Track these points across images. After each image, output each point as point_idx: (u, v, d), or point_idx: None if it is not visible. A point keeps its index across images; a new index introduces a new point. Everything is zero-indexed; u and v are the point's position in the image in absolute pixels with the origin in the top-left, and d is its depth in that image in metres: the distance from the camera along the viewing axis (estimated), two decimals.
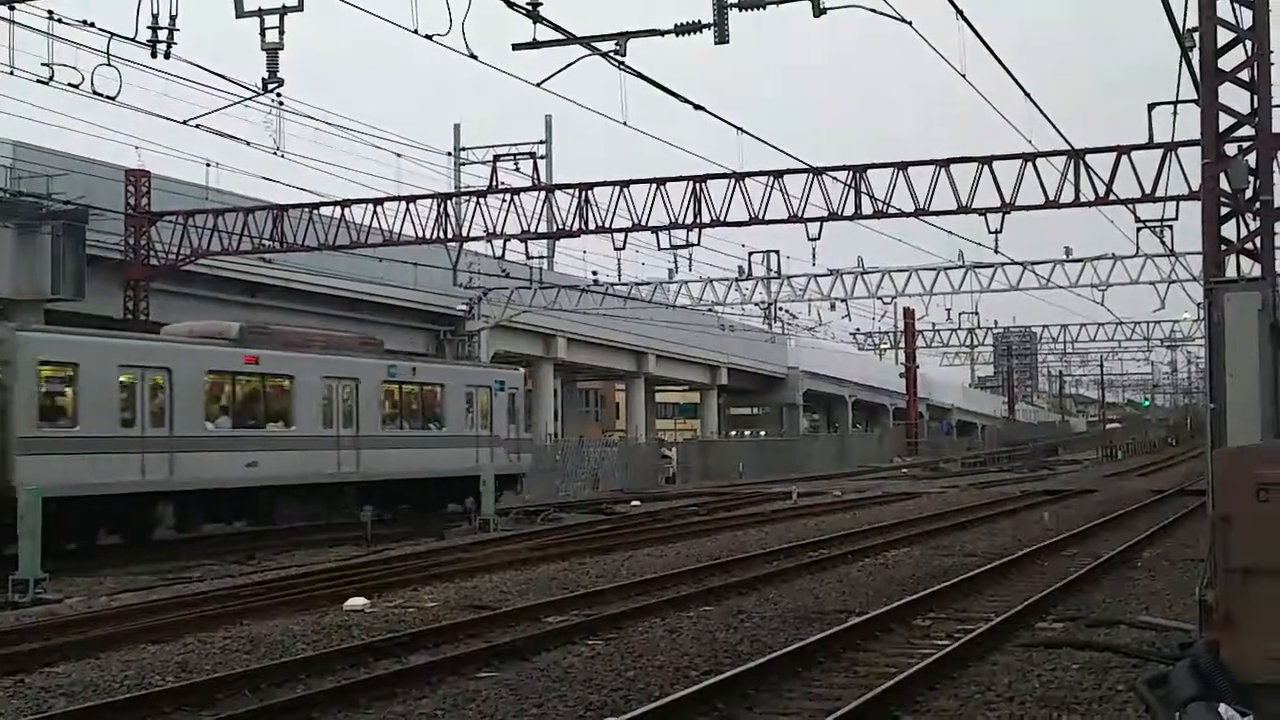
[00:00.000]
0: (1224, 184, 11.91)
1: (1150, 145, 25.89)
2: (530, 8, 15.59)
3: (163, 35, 17.61)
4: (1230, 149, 12.12)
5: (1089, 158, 27.14)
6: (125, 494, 21.26)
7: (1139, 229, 31.36)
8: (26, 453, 19.50)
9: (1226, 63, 11.93)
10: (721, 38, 17.50)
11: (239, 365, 24.13)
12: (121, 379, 21.44)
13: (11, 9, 18.73)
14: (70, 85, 19.98)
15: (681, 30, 17.94)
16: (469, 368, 34.50)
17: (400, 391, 28.24)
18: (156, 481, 21.70)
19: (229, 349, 24.18)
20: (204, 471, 22.74)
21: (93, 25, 19.60)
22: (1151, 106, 23.47)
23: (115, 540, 22.21)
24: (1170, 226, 30.50)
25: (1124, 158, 26.95)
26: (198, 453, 22.64)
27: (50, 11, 19.64)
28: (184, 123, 22.51)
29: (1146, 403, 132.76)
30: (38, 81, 20.22)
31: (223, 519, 24.41)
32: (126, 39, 18.04)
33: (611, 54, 17.31)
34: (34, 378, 19.98)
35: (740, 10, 17.64)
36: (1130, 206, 28.46)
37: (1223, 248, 12.06)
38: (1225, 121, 12.01)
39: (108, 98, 19.95)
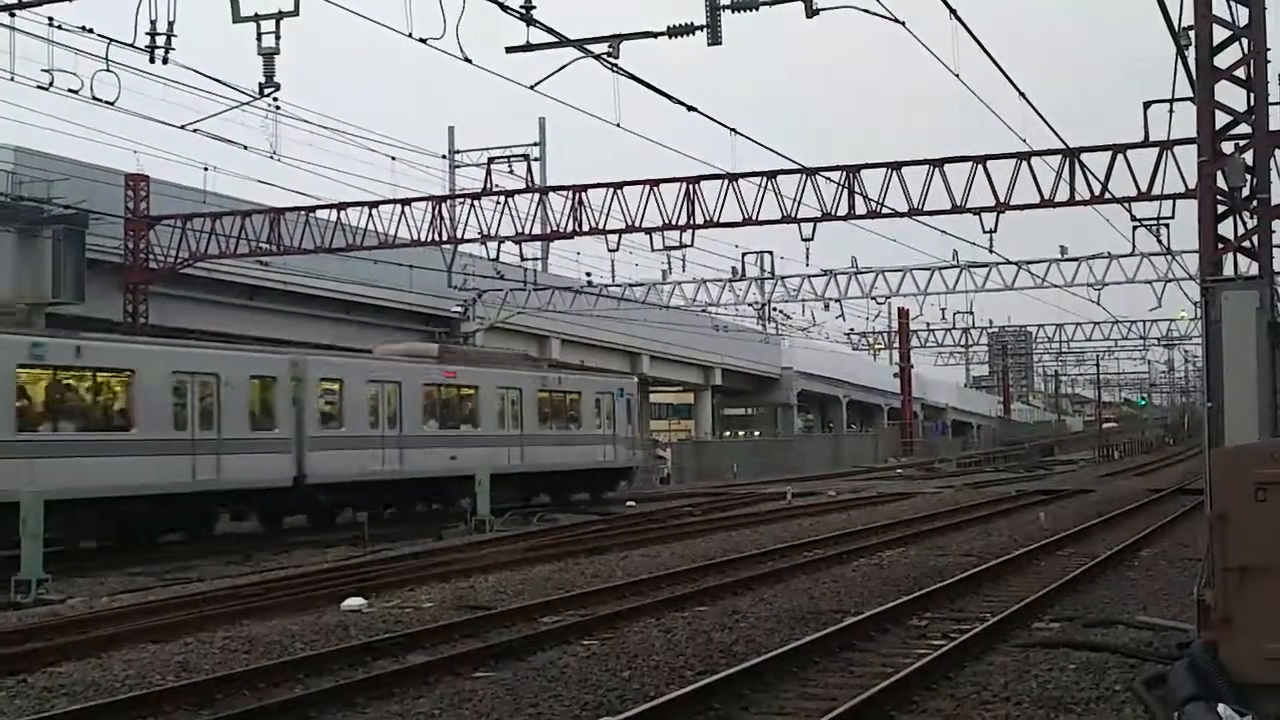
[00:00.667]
0: (1221, 182, 11.93)
1: (1146, 143, 25.95)
2: (524, 11, 15.61)
3: (161, 41, 17.60)
4: (1227, 147, 12.14)
5: (1084, 156, 27.20)
6: (379, 480, 27.74)
7: (1135, 227, 31.42)
8: (314, 449, 25.56)
9: (1223, 60, 11.96)
10: (714, 39, 17.52)
11: (441, 378, 30.55)
12: (370, 392, 27.71)
13: (12, 16, 18.74)
14: (70, 91, 20.01)
15: (674, 32, 17.96)
16: (598, 377, 41.22)
17: (550, 398, 34.05)
18: (393, 471, 27.97)
19: (435, 365, 30.72)
20: (424, 463, 28.85)
21: (92, 32, 19.62)
22: (1147, 105, 23.53)
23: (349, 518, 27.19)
24: (1166, 225, 30.59)
25: (1120, 156, 27.01)
26: (418, 449, 28.80)
27: (50, 18, 19.67)
28: (182, 127, 22.54)
29: (1143, 402, 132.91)
30: (38, 87, 20.24)
31: (434, 503, 30.36)
32: (125, 45, 18.04)
33: (605, 56, 17.33)
34: (316, 392, 26.19)
35: (733, 12, 17.66)
36: (1126, 205, 28.53)
37: (1220, 246, 12.09)
38: (1222, 119, 12.03)
39: (107, 103, 19.99)
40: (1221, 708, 7.79)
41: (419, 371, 29.65)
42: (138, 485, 21.81)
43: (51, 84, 20.14)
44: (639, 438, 40.90)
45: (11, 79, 20.36)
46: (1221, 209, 12.08)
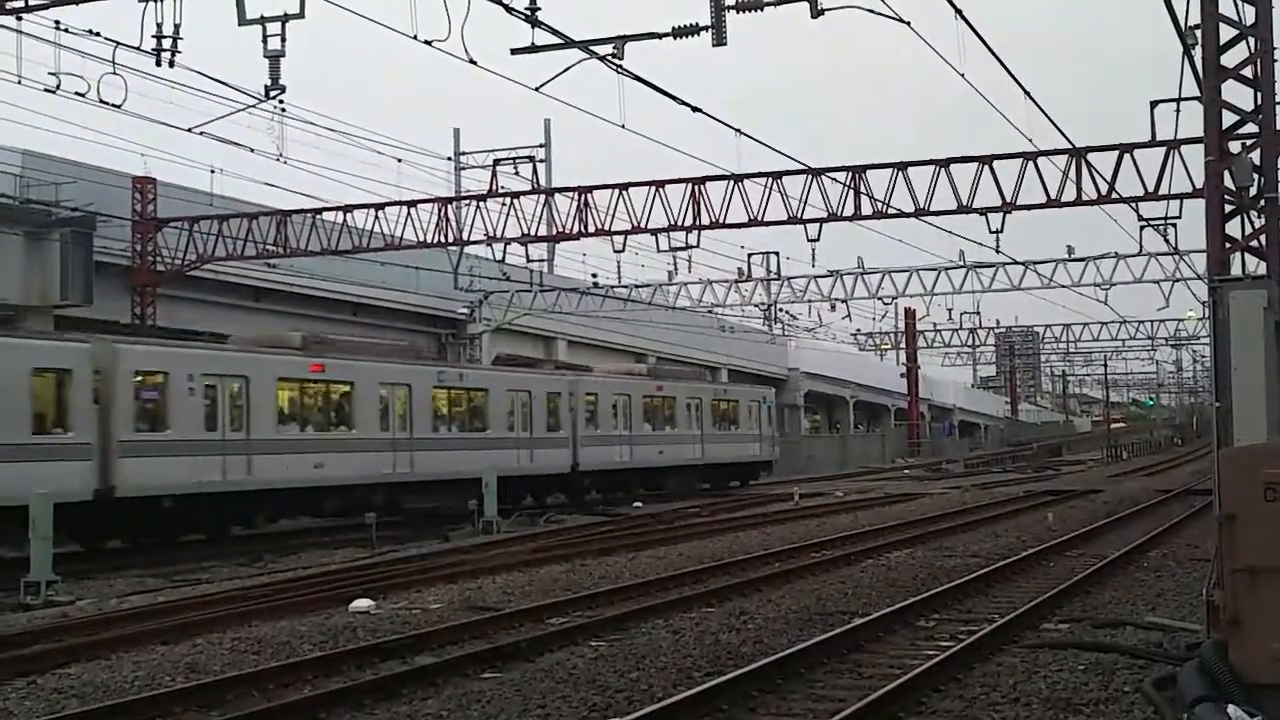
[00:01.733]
0: (1228, 181, 11.90)
1: (1153, 143, 25.86)
2: (528, 12, 15.62)
3: (167, 44, 17.64)
4: (1234, 146, 12.12)
5: (1091, 156, 27.13)
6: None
7: (1142, 227, 31.33)
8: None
9: (1229, 59, 11.93)
10: (719, 40, 17.51)
11: (654, 391, 38.68)
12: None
13: (19, 19, 18.77)
14: (77, 94, 20.06)
15: (679, 33, 17.95)
16: (749, 388, 48.25)
17: (719, 405, 41.77)
18: (625, 461, 34.30)
19: (648, 380, 38.77)
20: (648, 458, 37.40)
21: (98, 35, 19.66)
22: (1154, 104, 23.46)
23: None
24: (1174, 224, 30.47)
25: (1126, 156, 26.93)
26: (643, 445, 37.08)
27: (57, 21, 19.71)
28: (189, 130, 22.59)
29: (1151, 402, 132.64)
30: (45, 90, 20.30)
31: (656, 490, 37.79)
32: (132, 48, 18.08)
33: (610, 57, 17.34)
34: (583, 403, 33.18)
35: (738, 12, 17.65)
36: (1133, 205, 28.45)
37: (1227, 245, 12.05)
38: (1229, 119, 12.00)
39: (114, 106, 20.03)
40: (1231, 709, 7.77)
41: (638, 385, 38.29)
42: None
43: (58, 87, 20.20)
44: (776, 436, 48.60)
45: (19, 82, 20.42)
46: (1229, 208, 12.04)
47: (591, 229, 30.48)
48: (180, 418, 22.86)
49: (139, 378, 22.50)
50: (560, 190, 32.12)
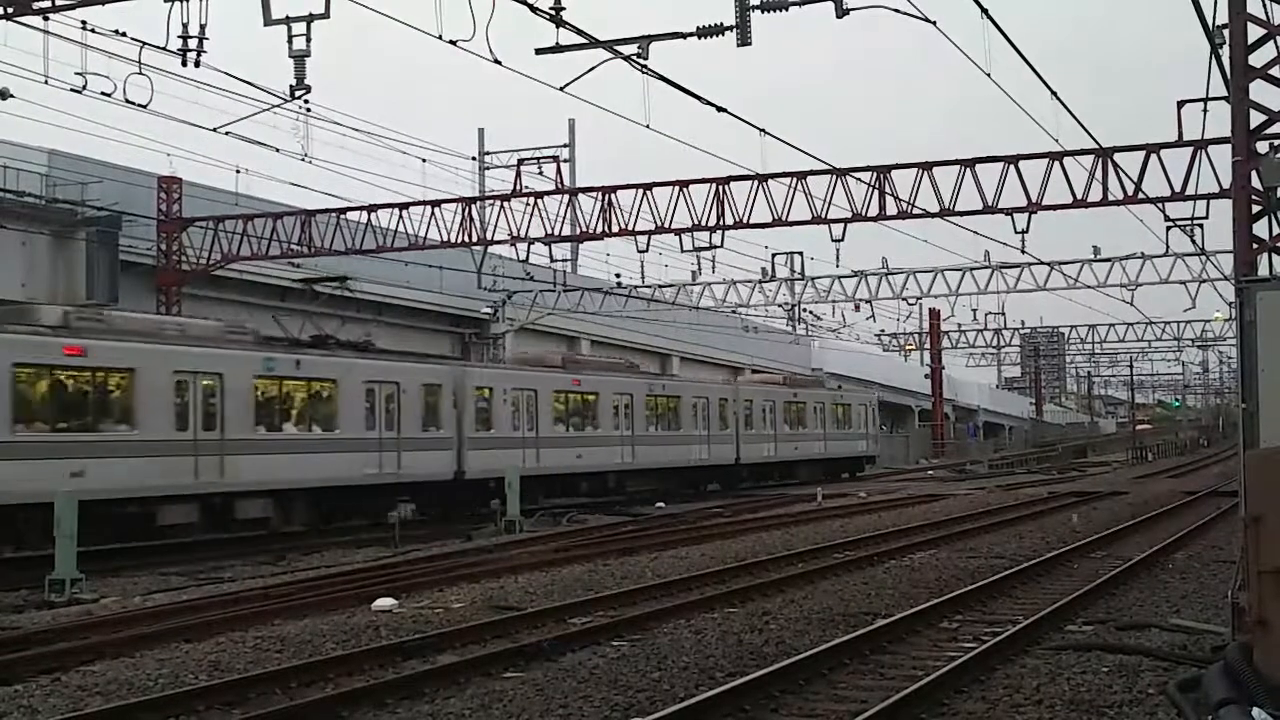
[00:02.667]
0: (1255, 182, 11.82)
1: (1180, 143, 25.72)
2: (553, 12, 15.63)
3: (193, 44, 17.73)
4: (1262, 146, 12.04)
5: (1117, 156, 26.99)
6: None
7: (1169, 228, 31.15)
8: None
9: (1258, 59, 11.86)
10: (744, 40, 17.49)
11: (791, 397, 45.27)
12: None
13: (46, 19, 18.91)
14: (103, 94, 20.18)
15: (704, 33, 17.95)
16: (860, 393, 54.87)
17: (838, 408, 48.83)
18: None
19: (771, 386, 45.75)
20: (782, 453, 44.02)
21: (125, 35, 19.77)
22: (1181, 104, 23.34)
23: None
24: (1201, 225, 30.32)
25: (1153, 156, 26.79)
26: (766, 443, 42.93)
27: (84, 22, 19.84)
28: (214, 130, 22.72)
29: (1177, 403, 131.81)
30: (71, 90, 20.43)
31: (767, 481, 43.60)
32: (158, 48, 18.17)
33: (634, 57, 17.34)
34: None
35: (763, 12, 17.63)
36: (1160, 205, 28.28)
37: (1254, 246, 11.98)
38: (1256, 118, 11.93)
39: (140, 106, 20.15)
40: (1256, 711, 7.71)
41: (780, 393, 44.97)
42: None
43: (85, 87, 20.32)
44: (879, 434, 56.25)
45: (45, 82, 20.57)
46: (1256, 209, 11.97)
47: (615, 229, 30.51)
48: (501, 421, 30.02)
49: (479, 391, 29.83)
50: (584, 190, 32.15)
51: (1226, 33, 11.91)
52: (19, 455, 19.49)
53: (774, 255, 42.03)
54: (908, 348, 67.72)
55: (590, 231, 31.08)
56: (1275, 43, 11.84)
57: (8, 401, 19.57)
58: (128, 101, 19.97)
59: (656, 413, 37.69)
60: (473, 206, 32.06)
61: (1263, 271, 12.01)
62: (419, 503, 27.87)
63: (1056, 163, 27.56)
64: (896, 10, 15.58)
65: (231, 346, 23.77)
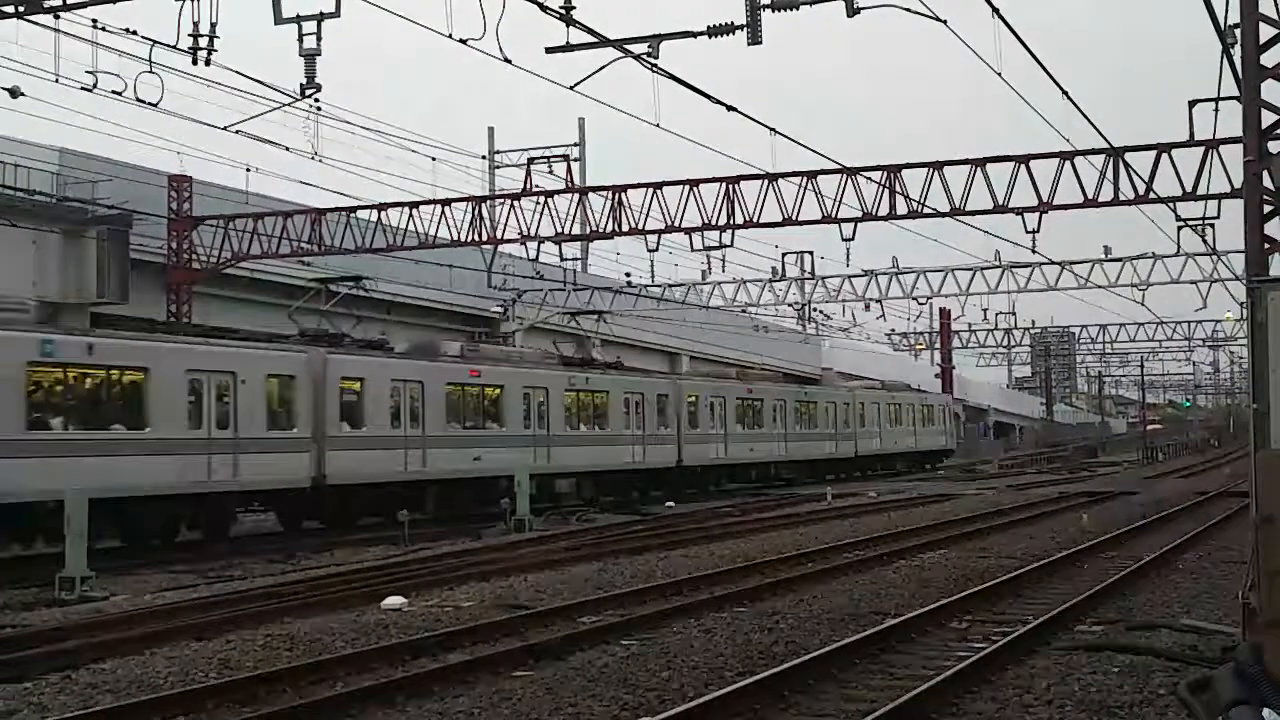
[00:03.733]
0: (1267, 182, 11.76)
1: (1191, 143, 25.63)
2: (563, 11, 15.63)
3: (203, 43, 17.75)
4: (1274, 146, 11.96)
5: (1128, 156, 26.91)
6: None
7: (1180, 227, 31.03)
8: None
9: (1269, 59, 11.78)
10: (754, 39, 17.46)
11: (890, 399, 54.22)
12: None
13: (56, 18, 18.95)
14: (114, 92, 20.23)
15: (714, 32, 17.92)
16: (941, 396, 63.71)
17: (926, 409, 58.37)
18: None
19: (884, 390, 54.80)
20: (876, 447, 51.98)
21: (135, 34, 19.82)
22: (1193, 104, 23.18)
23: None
24: (1212, 225, 30.19)
25: (1164, 156, 26.70)
26: (873, 438, 51.82)
27: (94, 20, 19.89)
28: (224, 128, 22.76)
29: (1188, 403, 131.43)
30: (82, 89, 20.49)
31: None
32: (168, 46, 18.20)
33: (644, 56, 17.33)
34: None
35: (773, 11, 17.60)
36: (1171, 205, 28.20)
37: (1266, 246, 11.91)
38: (1268, 118, 11.85)
39: (150, 104, 20.19)
40: (1267, 712, 7.69)
41: (884, 396, 54.16)
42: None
43: (95, 86, 20.38)
44: (958, 430, 67.14)
45: (56, 81, 20.64)
46: (1268, 209, 11.90)
47: (625, 228, 30.51)
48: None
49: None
50: (594, 189, 32.16)
51: (1238, 32, 11.86)
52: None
53: (784, 254, 42.08)
54: (918, 347, 67.59)
55: (600, 231, 31.07)
56: None
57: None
58: (138, 100, 20.02)
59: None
60: (483, 205, 32.06)
61: (1274, 272, 11.94)
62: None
63: (1067, 162, 27.48)
64: (907, 9, 15.56)
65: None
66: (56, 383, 20.71)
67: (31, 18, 18.79)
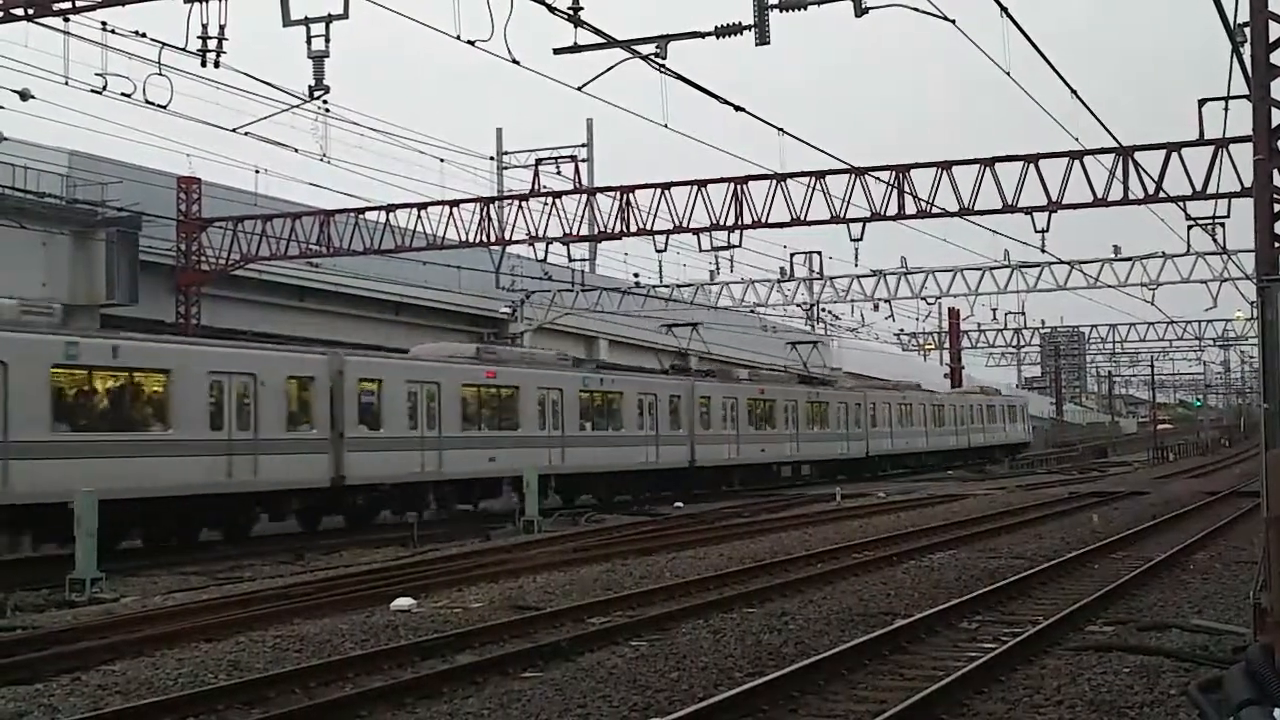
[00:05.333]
0: (1277, 180, 11.73)
1: (1201, 142, 25.58)
2: (571, 12, 15.64)
3: (212, 45, 17.80)
4: None
5: (1138, 155, 26.87)
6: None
7: (1190, 226, 31.01)
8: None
9: (1279, 58, 11.76)
10: (762, 39, 17.47)
11: (945, 402, 58.71)
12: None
13: (66, 20, 19.01)
14: (123, 95, 20.29)
15: (722, 32, 17.93)
16: (1014, 394, 74.19)
17: (996, 408, 64.62)
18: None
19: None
20: (947, 442, 57.95)
21: (144, 36, 19.87)
22: (1202, 102, 23.18)
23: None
24: (1222, 224, 30.16)
25: (1174, 155, 26.65)
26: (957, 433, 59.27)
27: (104, 23, 19.94)
28: (233, 130, 22.79)
29: (1199, 403, 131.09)
30: (91, 91, 20.53)
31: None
32: (177, 49, 18.26)
33: (652, 57, 17.34)
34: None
35: (781, 11, 17.60)
36: (1181, 204, 28.14)
37: (1276, 245, 11.88)
38: (1278, 117, 11.83)
39: (159, 106, 20.24)
40: (1278, 713, 7.65)
41: (966, 399, 61.65)
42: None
43: (105, 88, 20.43)
44: (1030, 426, 73.53)
45: (66, 83, 20.68)
46: (1278, 207, 11.87)
47: (633, 228, 30.52)
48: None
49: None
50: (602, 190, 32.17)
51: (1248, 31, 11.82)
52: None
53: (792, 255, 42.04)
54: (927, 347, 67.52)
55: (608, 231, 31.09)
56: None
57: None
58: (147, 102, 20.08)
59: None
60: (491, 206, 32.10)
61: None
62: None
63: (1076, 162, 27.44)
64: (915, 9, 15.55)
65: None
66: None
67: (41, 20, 18.87)
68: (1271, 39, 11.68)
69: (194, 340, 27.09)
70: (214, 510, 22.92)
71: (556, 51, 17.23)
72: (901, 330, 62.64)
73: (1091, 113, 18.62)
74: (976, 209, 28.42)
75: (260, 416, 23.18)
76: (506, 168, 53.44)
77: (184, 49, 18.01)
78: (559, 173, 32.84)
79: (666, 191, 30.06)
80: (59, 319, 21.66)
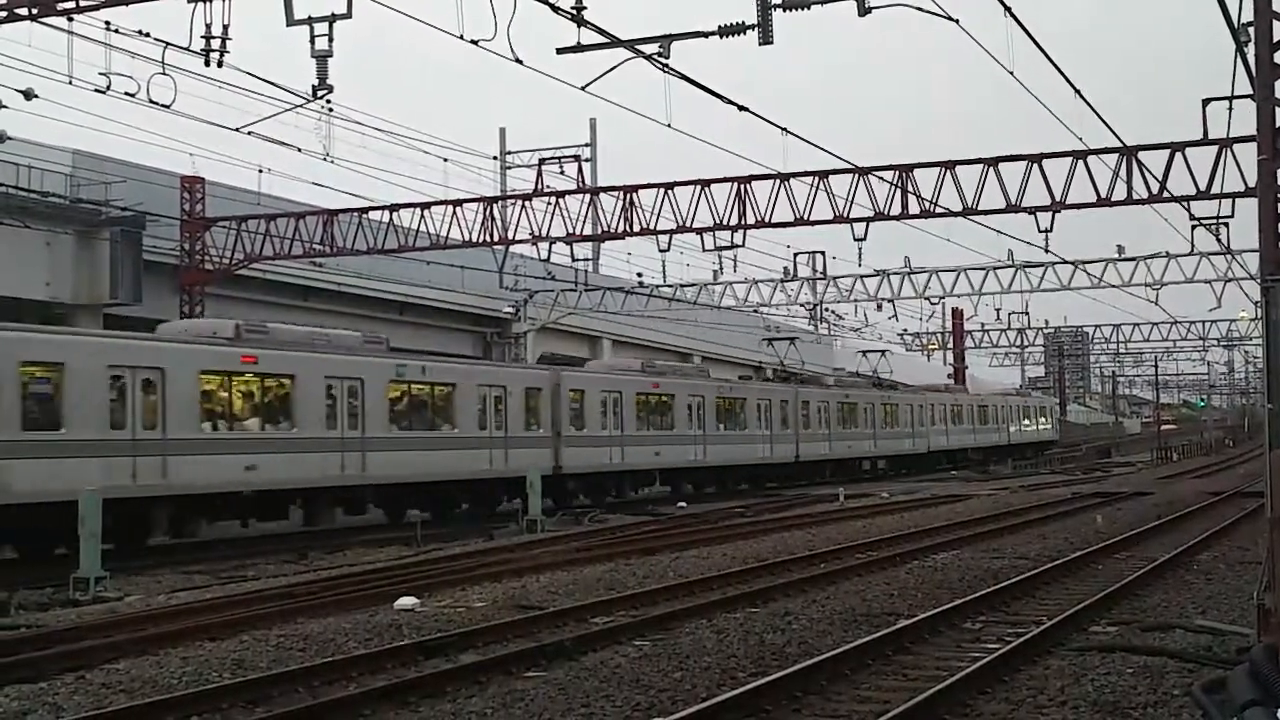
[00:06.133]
0: None
1: (1205, 141, 25.54)
2: (574, 12, 15.63)
3: (216, 45, 17.81)
4: None
5: (1142, 155, 26.85)
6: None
7: (1194, 226, 30.95)
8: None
9: None
10: (766, 38, 17.45)
11: (967, 401, 62.27)
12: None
13: (70, 20, 19.02)
14: (127, 94, 20.30)
15: (725, 32, 17.92)
16: (1042, 397, 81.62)
17: (1034, 407, 71.96)
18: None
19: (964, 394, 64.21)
20: (996, 437, 64.97)
21: (148, 36, 19.90)
22: (1206, 102, 23.17)
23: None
24: (1226, 224, 30.12)
25: (1178, 154, 26.61)
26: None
27: (107, 22, 19.96)
28: (237, 130, 22.82)
29: (1203, 403, 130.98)
30: (95, 91, 20.56)
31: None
32: (181, 49, 18.27)
33: (655, 56, 17.33)
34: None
35: (784, 10, 17.58)
36: (1185, 204, 28.11)
37: None
38: None
39: (163, 106, 20.25)
40: None
41: (1006, 401, 67.92)
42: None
43: (109, 87, 20.45)
44: (1058, 426, 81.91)
45: (69, 82, 20.71)
46: None
47: (637, 228, 30.50)
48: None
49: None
50: (605, 189, 32.16)
51: (1251, 30, 11.81)
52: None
53: (796, 254, 42.03)
54: (930, 347, 67.48)
55: (612, 231, 31.08)
56: None
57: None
58: (151, 102, 20.08)
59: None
60: (494, 206, 32.10)
61: None
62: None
63: (1080, 161, 27.41)
64: (919, 9, 15.54)
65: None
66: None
67: (45, 20, 18.88)
68: (1275, 39, 11.66)
69: (467, 359, 38.22)
70: (480, 492, 29.09)
71: (560, 51, 17.23)
72: (905, 330, 62.65)
73: (1095, 112, 18.63)
74: (980, 209, 28.40)
75: (510, 419, 29.57)
76: (510, 167, 53.52)
77: (188, 48, 18.02)
78: (562, 172, 32.84)
79: (670, 191, 30.05)
80: (386, 346, 28.20)
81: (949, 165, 28.42)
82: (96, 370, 20.67)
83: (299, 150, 25.93)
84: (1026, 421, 69.82)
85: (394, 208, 32.46)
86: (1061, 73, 16.04)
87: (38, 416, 19.90)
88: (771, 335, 53.29)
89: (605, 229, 31.35)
